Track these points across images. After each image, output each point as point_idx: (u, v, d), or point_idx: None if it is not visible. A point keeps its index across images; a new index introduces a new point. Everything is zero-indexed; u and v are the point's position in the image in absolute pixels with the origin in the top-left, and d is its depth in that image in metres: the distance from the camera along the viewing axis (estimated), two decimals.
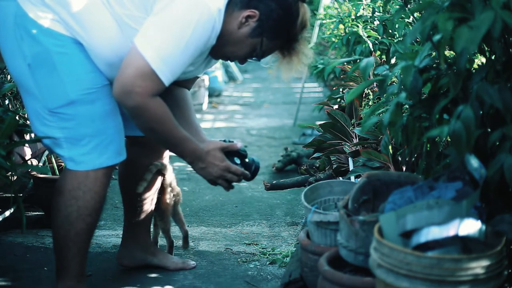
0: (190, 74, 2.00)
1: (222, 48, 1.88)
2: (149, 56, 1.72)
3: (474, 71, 1.45)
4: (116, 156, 1.90)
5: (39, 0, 1.81)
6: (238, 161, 1.99)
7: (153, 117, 1.79)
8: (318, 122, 2.80)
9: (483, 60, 1.51)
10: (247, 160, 2.02)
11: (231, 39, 1.85)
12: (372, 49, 2.87)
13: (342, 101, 2.98)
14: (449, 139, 1.36)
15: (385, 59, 2.92)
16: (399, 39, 2.81)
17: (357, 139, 2.51)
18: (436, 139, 1.57)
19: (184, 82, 2.11)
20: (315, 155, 2.70)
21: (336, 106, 2.87)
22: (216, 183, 1.99)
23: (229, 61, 2.05)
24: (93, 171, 1.86)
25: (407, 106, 1.60)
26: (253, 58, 1.95)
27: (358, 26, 3.02)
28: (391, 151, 2.11)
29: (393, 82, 1.94)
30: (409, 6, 1.66)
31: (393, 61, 2.83)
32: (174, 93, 2.09)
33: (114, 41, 1.82)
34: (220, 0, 1.78)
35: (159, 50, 1.73)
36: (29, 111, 1.89)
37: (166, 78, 1.76)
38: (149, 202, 2.27)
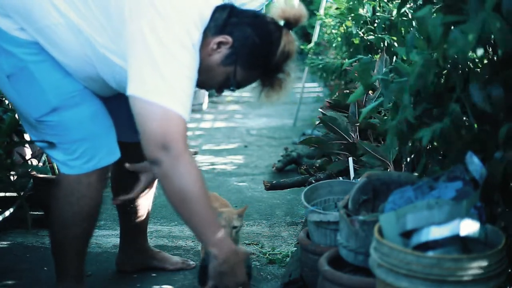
0: None
1: None
2: (163, 101, 1.59)
3: (477, 71, 1.44)
4: (108, 156, 1.85)
5: (4, 12, 1.74)
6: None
7: (191, 171, 1.62)
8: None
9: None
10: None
11: (203, 66, 1.71)
12: (375, 48, 2.87)
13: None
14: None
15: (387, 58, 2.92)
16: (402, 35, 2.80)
17: (358, 137, 2.51)
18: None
19: None
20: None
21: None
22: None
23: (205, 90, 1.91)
24: (86, 175, 1.82)
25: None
26: (230, 88, 1.80)
27: (358, 25, 3.02)
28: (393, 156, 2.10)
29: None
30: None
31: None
32: None
33: (80, 62, 1.75)
34: (194, 36, 1.67)
35: (169, 90, 1.60)
36: (20, 118, 1.87)
37: (187, 114, 1.63)
38: (144, 207, 2.25)
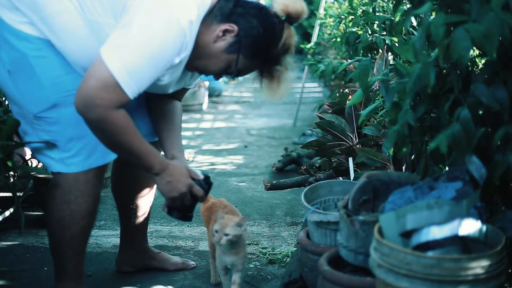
0: (169, 86, 1.89)
1: (195, 60, 1.79)
2: (113, 67, 1.61)
3: (477, 71, 1.44)
4: (105, 155, 1.85)
5: (11, 4, 1.76)
6: (201, 176, 1.92)
7: (115, 130, 1.66)
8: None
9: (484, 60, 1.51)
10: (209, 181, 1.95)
11: (205, 52, 1.77)
12: (376, 47, 2.86)
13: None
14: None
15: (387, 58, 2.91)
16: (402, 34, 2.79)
17: (356, 139, 2.51)
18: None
19: (175, 93, 2.02)
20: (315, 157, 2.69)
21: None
22: (173, 205, 1.88)
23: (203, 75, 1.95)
24: (83, 173, 1.83)
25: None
26: (228, 75, 1.84)
27: (358, 25, 3.02)
28: (391, 152, 2.10)
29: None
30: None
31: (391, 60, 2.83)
32: (163, 105, 2.04)
33: (87, 48, 1.75)
34: (192, 12, 1.69)
35: (125, 62, 1.62)
36: (16, 116, 1.86)
37: (131, 91, 1.64)
38: (143, 208, 2.26)
